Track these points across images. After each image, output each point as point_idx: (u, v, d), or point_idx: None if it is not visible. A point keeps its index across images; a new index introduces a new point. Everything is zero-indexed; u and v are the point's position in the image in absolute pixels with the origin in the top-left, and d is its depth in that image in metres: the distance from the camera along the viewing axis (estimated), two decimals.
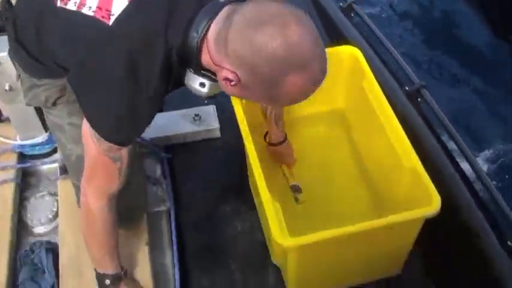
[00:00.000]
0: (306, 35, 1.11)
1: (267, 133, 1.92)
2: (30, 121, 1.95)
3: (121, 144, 1.30)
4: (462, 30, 3.42)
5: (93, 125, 1.26)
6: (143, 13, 1.20)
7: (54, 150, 2.05)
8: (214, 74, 1.22)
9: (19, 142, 2.01)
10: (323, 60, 1.15)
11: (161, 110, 1.29)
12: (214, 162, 2.10)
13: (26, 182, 2.03)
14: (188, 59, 1.22)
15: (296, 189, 1.92)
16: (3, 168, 1.98)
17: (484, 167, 1.67)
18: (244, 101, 1.74)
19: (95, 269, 1.57)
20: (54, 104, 1.51)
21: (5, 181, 1.95)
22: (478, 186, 1.68)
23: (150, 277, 1.71)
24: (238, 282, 1.78)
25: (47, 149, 2.05)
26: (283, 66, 1.11)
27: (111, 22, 1.19)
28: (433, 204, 1.45)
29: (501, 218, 1.59)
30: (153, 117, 1.30)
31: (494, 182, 1.65)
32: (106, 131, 1.26)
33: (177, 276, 1.74)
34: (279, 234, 1.43)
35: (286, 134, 1.91)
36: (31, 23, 1.35)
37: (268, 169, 1.91)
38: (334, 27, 2.31)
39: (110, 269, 1.54)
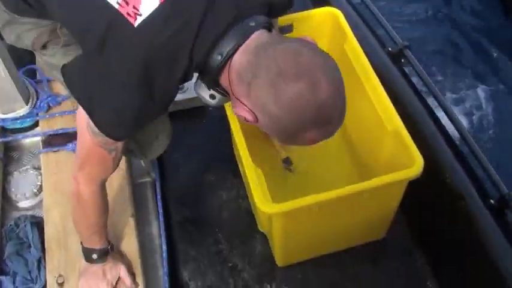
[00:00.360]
0: (334, 93, 1.08)
1: None
2: (10, 94, 1.92)
3: (119, 139, 1.27)
4: None
5: (93, 118, 1.20)
6: (174, 21, 1.11)
7: (36, 124, 2.03)
8: (227, 92, 1.20)
9: (0, 116, 1.99)
10: (343, 116, 1.13)
11: None
12: (198, 132, 2.09)
13: (8, 156, 2.01)
14: (206, 75, 1.20)
15: (287, 162, 1.91)
16: None
17: (468, 126, 1.66)
18: None
19: (82, 243, 1.57)
20: (44, 47, 1.45)
21: None
22: (462, 146, 1.67)
23: (136, 249, 1.71)
24: (224, 251, 1.79)
25: (28, 122, 2.02)
26: (307, 124, 1.09)
27: (136, 24, 1.10)
28: (415, 166, 1.44)
29: (484, 176, 1.59)
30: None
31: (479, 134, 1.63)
32: (106, 127, 1.20)
33: (164, 247, 1.74)
34: (262, 200, 1.42)
35: None
36: None
37: (259, 142, 1.90)
38: None
39: (97, 245, 1.54)
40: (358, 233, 1.72)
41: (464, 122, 1.67)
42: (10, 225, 1.79)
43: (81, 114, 1.23)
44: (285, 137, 1.16)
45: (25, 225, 1.76)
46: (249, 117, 1.12)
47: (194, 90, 1.29)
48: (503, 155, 2.23)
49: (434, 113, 1.77)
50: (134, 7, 1.11)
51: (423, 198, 1.71)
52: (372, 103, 1.64)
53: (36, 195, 1.89)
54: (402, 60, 1.93)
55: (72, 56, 1.33)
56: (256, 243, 1.80)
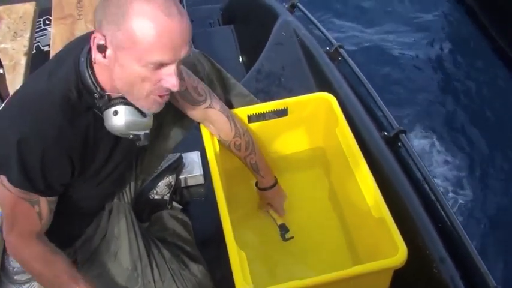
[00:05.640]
0: None
1: None
2: None
3: (35, 190, 1.30)
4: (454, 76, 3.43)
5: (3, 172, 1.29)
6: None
7: None
8: (123, 97, 1.30)
9: None
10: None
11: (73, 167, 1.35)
12: (197, 209, 2.10)
13: None
14: (87, 86, 1.29)
15: (283, 229, 1.93)
16: None
17: (459, 214, 1.64)
18: (218, 147, 1.76)
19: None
20: None
21: None
22: (452, 235, 1.65)
23: None
24: None
25: None
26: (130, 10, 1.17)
27: None
28: (399, 255, 1.44)
29: (473, 268, 1.55)
30: (59, 165, 1.30)
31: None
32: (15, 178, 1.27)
33: None
34: (243, 285, 1.42)
35: (276, 180, 1.91)
36: None
37: (256, 210, 1.98)
38: (321, 74, 2.33)
39: None
40: None
41: (455, 210, 1.64)
42: None
43: None
44: (123, 31, 1.18)
45: None
46: (98, 37, 1.22)
47: (108, 128, 1.33)
48: (494, 245, 2.19)
49: (427, 200, 1.75)
50: None
51: (413, 287, 1.68)
52: (360, 189, 1.65)
53: None
54: (399, 144, 1.94)
55: None
56: None
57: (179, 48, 1.22)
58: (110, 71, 1.26)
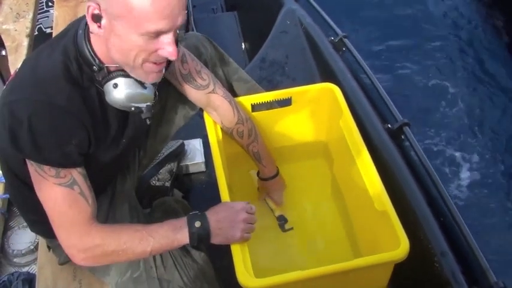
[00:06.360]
0: None
1: None
2: None
3: (56, 163, 1.27)
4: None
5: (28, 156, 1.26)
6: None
7: None
8: (122, 70, 1.29)
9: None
10: None
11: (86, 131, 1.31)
12: (198, 196, 2.10)
13: (12, 211, 2.05)
14: (85, 58, 1.28)
15: (282, 219, 1.94)
16: None
17: (461, 208, 1.64)
18: (221, 134, 1.76)
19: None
20: None
21: None
22: (453, 229, 1.65)
23: None
24: None
25: None
26: None
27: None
28: (400, 249, 1.43)
29: (474, 263, 1.55)
30: (72, 133, 1.28)
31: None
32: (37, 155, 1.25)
33: None
34: (243, 274, 1.42)
35: (277, 170, 1.91)
36: None
37: (257, 202, 1.97)
38: (325, 64, 2.31)
39: (179, 229, 1.41)
40: None
41: (457, 204, 1.64)
42: (3, 281, 1.81)
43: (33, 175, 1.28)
44: (131, 18, 1.16)
45: (17, 283, 1.79)
46: (94, 8, 1.20)
47: (109, 102, 1.32)
48: (494, 242, 2.20)
49: (429, 193, 1.75)
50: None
51: (413, 280, 1.68)
52: (363, 181, 1.64)
53: (33, 251, 1.91)
54: (402, 137, 1.93)
55: None
56: None
57: (177, 15, 1.19)
58: (106, 41, 1.24)
